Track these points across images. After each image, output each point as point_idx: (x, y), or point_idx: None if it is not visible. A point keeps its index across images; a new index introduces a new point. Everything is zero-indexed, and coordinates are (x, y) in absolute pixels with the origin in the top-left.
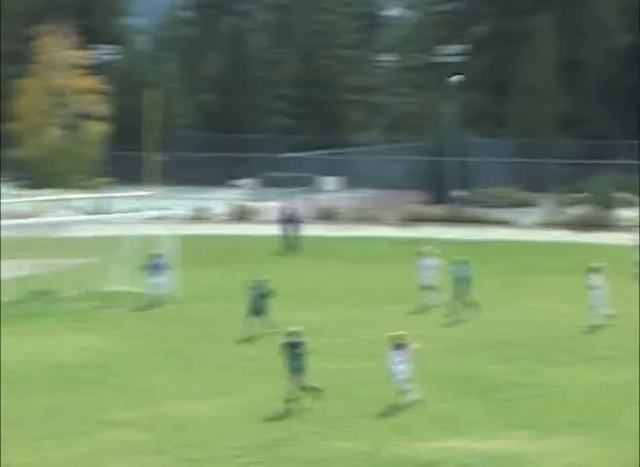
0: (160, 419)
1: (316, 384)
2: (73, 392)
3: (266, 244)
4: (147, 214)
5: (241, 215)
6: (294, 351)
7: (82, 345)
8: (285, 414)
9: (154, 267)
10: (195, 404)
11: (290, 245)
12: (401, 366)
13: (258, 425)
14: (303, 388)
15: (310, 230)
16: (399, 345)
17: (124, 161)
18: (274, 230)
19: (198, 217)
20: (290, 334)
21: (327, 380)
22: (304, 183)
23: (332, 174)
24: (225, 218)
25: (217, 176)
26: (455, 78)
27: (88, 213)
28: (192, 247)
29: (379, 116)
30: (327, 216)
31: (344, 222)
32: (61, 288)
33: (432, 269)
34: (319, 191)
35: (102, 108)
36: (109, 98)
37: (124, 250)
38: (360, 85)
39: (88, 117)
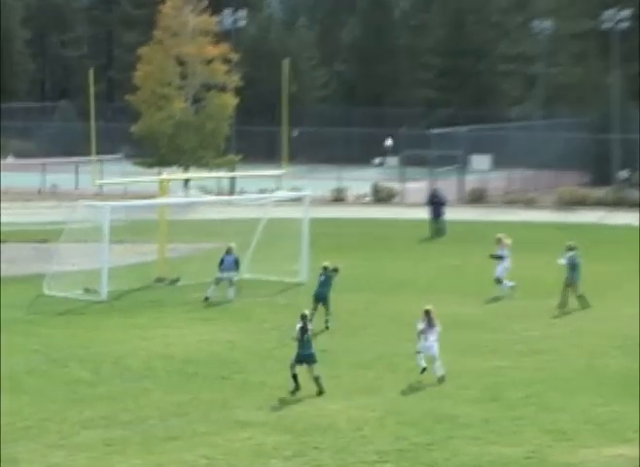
0: (294, 420)
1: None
2: (197, 389)
3: (409, 229)
4: (279, 195)
5: (382, 197)
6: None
7: (207, 338)
8: (428, 416)
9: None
10: (332, 403)
11: (436, 231)
12: (435, 343)
13: (400, 427)
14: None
15: (458, 213)
16: (430, 321)
17: (254, 137)
18: (418, 213)
19: (335, 199)
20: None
21: (479, 380)
22: (451, 162)
23: (482, 152)
24: (364, 200)
25: (355, 154)
26: (619, 46)
27: (215, 194)
28: (328, 232)
29: (535, 88)
30: (476, 198)
31: (495, 205)
32: (187, 275)
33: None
34: (468, 170)
35: (231, 78)
36: (238, 68)
37: (255, 235)
38: (514, 53)
39: (215, 88)
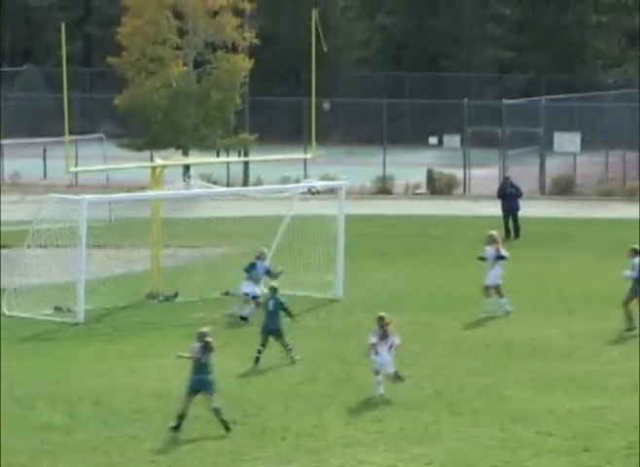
0: None
1: None
2: (201, 437)
3: (474, 230)
4: (306, 186)
5: (440, 188)
6: None
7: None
8: None
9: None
10: (376, 455)
11: (509, 231)
12: (387, 355)
13: None
14: None
15: (538, 209)
16: (384, 332)
17: (273, 111)
18: (486, 209)
19: (379, 190)
20: None
21: (567, 424)
22: (529, 142)
23: (568, 129)
24: (416, 192)
25: (404, 132)
26: None
27: (224, 184)
28: (369, 233)
29: (638, 46)
30: (562, 189)
31: (586, 198)
32: (187, 289)
33: None
34: (550, 153)
35: (244, 35)
36: (253, 22)
37: (276, 237)
38: (611, 1)
39: (223, 48)
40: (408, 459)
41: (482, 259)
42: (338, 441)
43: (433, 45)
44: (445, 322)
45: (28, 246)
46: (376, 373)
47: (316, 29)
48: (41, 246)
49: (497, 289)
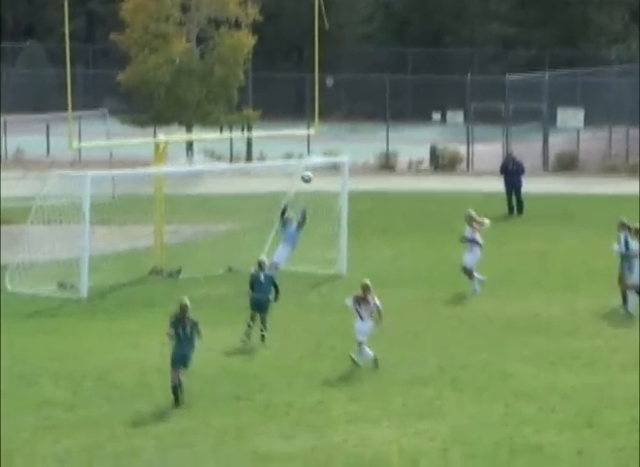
0: (330, 452)
1: None
2: (205, 413)
3: (477, 206)
4: (309, 162)
5: (443, 164)
6: None
7: (217, 347)
8: (503, 446)
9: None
10: (380, 431)
11: (513, 207)
12: (367, 323)
13: (468, 461)
14: None
15: (541, 185)
16: (364, 298)
17: (276, 87)
18: (490, 185)
19: (382, 166)
20: None
21: (571, 400)
22: (533, 117)
23: (572, 105)
24: (420, 168)
25: (407, 108)
26: None
27: (227, 161)
28: (373, 209)
29: None
30: (565, 165)
31: (590, 173)
32: (191, 265)
33: None
34: (554, 128)
35: (247, 11)
36: None
37: (279, 213)
38: None
39: (226, 24)
40: (411, 435)
41: (465, 240)
42: (342, 417)
43: (436, 21)
44: (448, 298)
45: (31, 222)
46: (360, 342)
47: (319, 5)
48: (44, 222)
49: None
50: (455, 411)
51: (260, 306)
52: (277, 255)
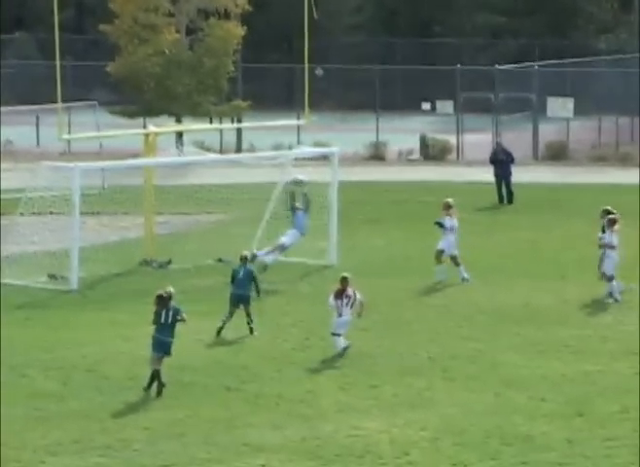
0: (320, 443)
1: None
2: (195, 404)
3: (467, 195)
4: (299, 152)
5: (433, 153)
6: None
7: (207, 338)
8: (493, 436)
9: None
10: (370, 421)
11: (504, 196)
12: (345, 318)
13: (458, 451)
14: None
15: (531, 174)
16: (344, 291)
17: (266, 78)
18: (480, 174)
19: (372, 156)
20: None
21: (560, 389)
22: (522, 107)
23: (561, 94)
24: (410, 158)
25: (397, 98)
26: None
27: (217, 151)
28: (363, 199)
29: (631, 11)
30: (555, 154)
31: (579, 163)
32: (181, 256)
33: None
34: (543, 118)
35: (236, 2)
36: None
37: (269, 204)
38: None
39: (216, 15)
40: (401, 425)
41: (439, 225)
42: (332, 407)
43: (425, 11)
44: (439, 288)
45: (21, 214)
46: (335, 333)
47: None
48: (34, 214)
49: (454, 259)
50: (446, 400)
51: (238, 301)
52: (286, 238)
